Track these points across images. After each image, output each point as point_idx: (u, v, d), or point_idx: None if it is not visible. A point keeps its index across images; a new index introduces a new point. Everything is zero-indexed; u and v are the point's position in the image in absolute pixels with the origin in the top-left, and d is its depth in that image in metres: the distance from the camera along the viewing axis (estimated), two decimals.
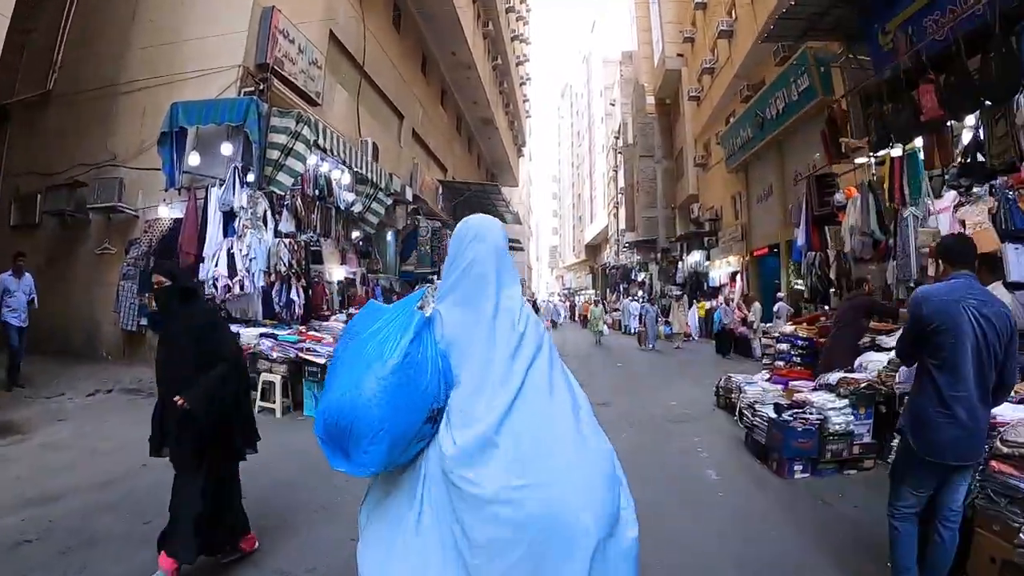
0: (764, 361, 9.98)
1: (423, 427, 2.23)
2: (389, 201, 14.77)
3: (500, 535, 2.11)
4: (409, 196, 18.68)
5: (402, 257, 19.61)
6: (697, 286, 29.17)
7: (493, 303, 2.37)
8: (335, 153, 12.43)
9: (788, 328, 8.86)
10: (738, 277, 24.40)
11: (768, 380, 8.51)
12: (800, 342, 8.63)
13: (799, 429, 5.88)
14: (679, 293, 24.72)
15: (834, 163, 9.27)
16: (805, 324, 8.99)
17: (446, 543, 2.17)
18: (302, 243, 10.78)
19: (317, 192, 12.54)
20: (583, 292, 63.28)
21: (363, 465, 2.22)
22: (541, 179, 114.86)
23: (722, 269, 26.45)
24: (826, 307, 11.03)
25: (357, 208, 13.71)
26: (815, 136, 18.27)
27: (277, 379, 8.99)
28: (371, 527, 2.38)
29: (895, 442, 4.45)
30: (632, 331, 27.89)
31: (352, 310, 12.47)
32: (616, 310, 34.43)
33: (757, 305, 18.55)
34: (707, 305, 25.41)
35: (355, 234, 14.29)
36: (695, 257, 29.83)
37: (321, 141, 11.31)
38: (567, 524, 2.12)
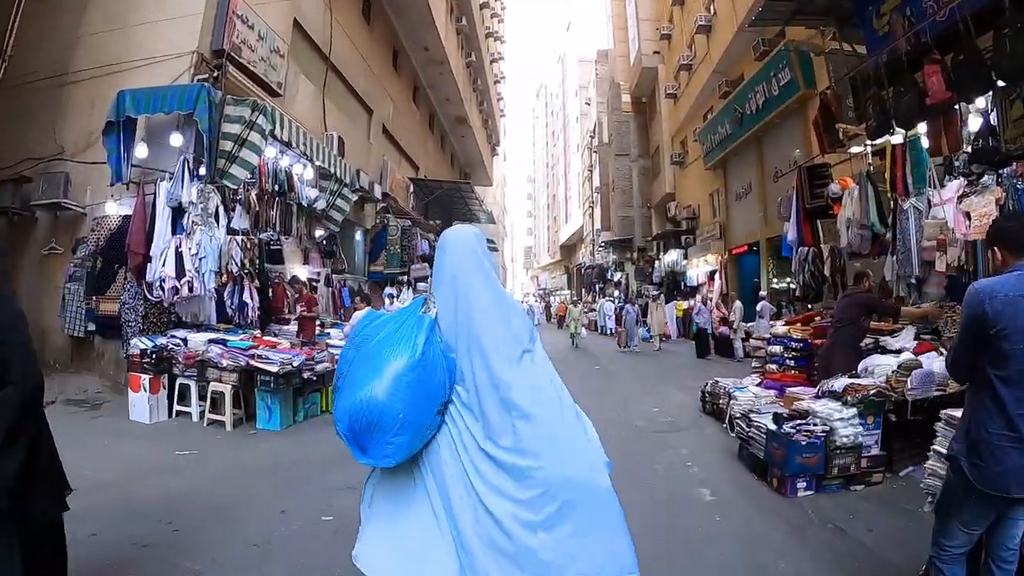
0: (753, 364, 9.31)
1: (434, 418, 2.42)
2: (354, 197, 14.02)
3: (528, 493, 2.34)
4: (378, 194, 17.97)
5: (371, 257, 18.83)
6: (674, 285, 28.74)
7: (497, 304, 2.56)
8: (296, 146, 11.67)
9: (780, 329, 8.21)
10: (716, 276, 23.95)
11: (759, 385, 7.97)
12: (794, 344, 8.02)
13: (803, 443, 5.27)
14: (656, 293, 23.98)
15: (828, 152, 8.63)
16: (799, 324, 8.37)
17: (465, 517, 2.36)
18: (256, 241, 10.01)
19: (277, 187, 11.78)
20: (558, 292, 62.96)
21: (387, 456, 2.39)
22: (516, 179, 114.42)
23: (700, 268, 26.01)
24: (812, 306, 10.59)
25: (320, 205, 12.96)
26: (796, 131, 18.00)
27: (227, 389, 8.25)
28: (376, 515, 2.58)
29: (938, 463, 3.78)
30: (609, 331, 27.42)
31: (300, 309, 11.74)
32: (593, 310, 33.85)
33: (739, 304, 18.04)
34: (685, 305, 24.95)
35: (319, 232, 13.52)
36: (672, 256, 29.39)
37: (279, 131, 10.55)
38: (576, 482, 2.43)
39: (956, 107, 6.16)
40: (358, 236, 18.95)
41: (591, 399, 10.30)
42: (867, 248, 8.04)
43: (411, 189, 23.22)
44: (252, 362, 8.19)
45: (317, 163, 12.42)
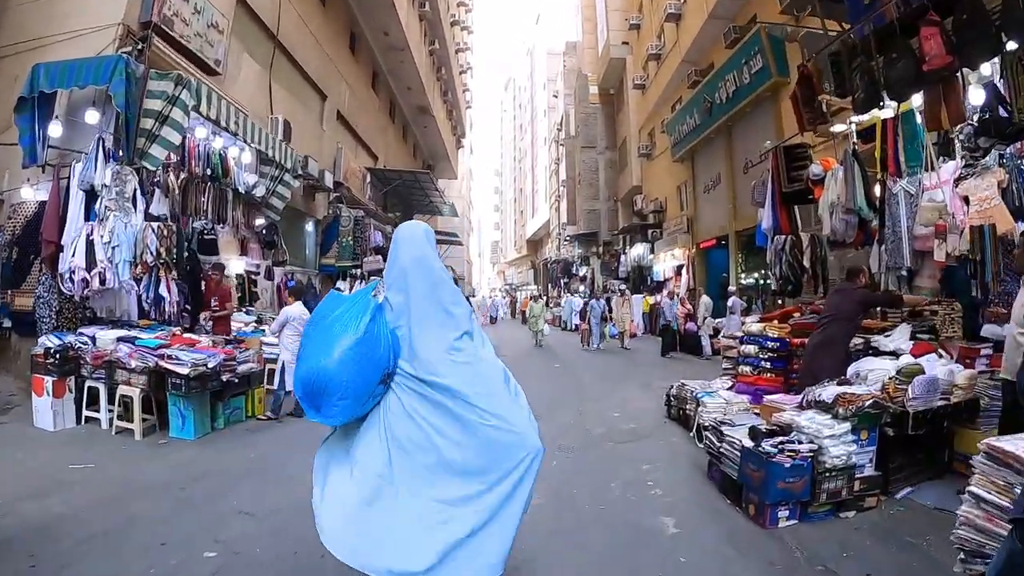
0: (723, 365, 8.42)
1: (377, 387, 2.88)
2: (296, 184, 13.01)
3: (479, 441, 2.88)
4: (329, 182, 16.98)
5: (322, 249, 17.81)
6: (640, 280, 28.10)
7: (440, 291, 3.02)
8: (228, 126, 10.70)
9: (755, 326, 7.31)
10: (683, 270, 23.30)
11: (730, 389, 7.21)
12: (770, 343, 7.02)
13: (786, 465, 4.44)
14: (623, 287, 22.94)
15: (807, 130, 7.78)
16: (776, 321, 7.52)
17: (402, 462, 2.85)
18: (173, 228, 9.00)
19: (209, 171, 10.76)
20: (525, 287, 62.39)
21: (333, 416, 2.91)
22: (483, 173, 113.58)
23: (666, 262, 25.36)
24: (785, 300, 9.85)
25: (260, 191, 11.95)
26: (768, 121, 17.36)
27: (135, 393, 7.27)
28: (327, 459, 3.13)
29: (976, 509, 2.97)
30: (574, 328, 26.75)
31: (214, 304, 10.51)
32: (559, 305, 33.13)
33: (706, 299, 17.43)
34: (652, 300, 24.28)
35: (259, 221, 12.50)
36: (638, 250, 28.73)
37: (205, 108, 9.56)
38: (519, 437, 2.96)
39: (958, 74, 5.35)
40: (309, 227, 17.94)
41: (546, 402, 9.52)
42: (852, 235, 7.20)
43: (368, 179, 22.24)
44: (161, 363, 7.22)
45: (254, 146, 11.43)
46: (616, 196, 35.04)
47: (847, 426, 4.65)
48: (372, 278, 16.84)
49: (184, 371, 7.05)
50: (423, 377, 2.87)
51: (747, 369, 7.28)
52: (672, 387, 8.19)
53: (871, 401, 4.72)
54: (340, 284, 17.18)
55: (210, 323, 9.79)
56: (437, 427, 2.84)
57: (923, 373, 4.93)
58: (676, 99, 24.54)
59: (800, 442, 4.64)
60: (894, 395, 4.82)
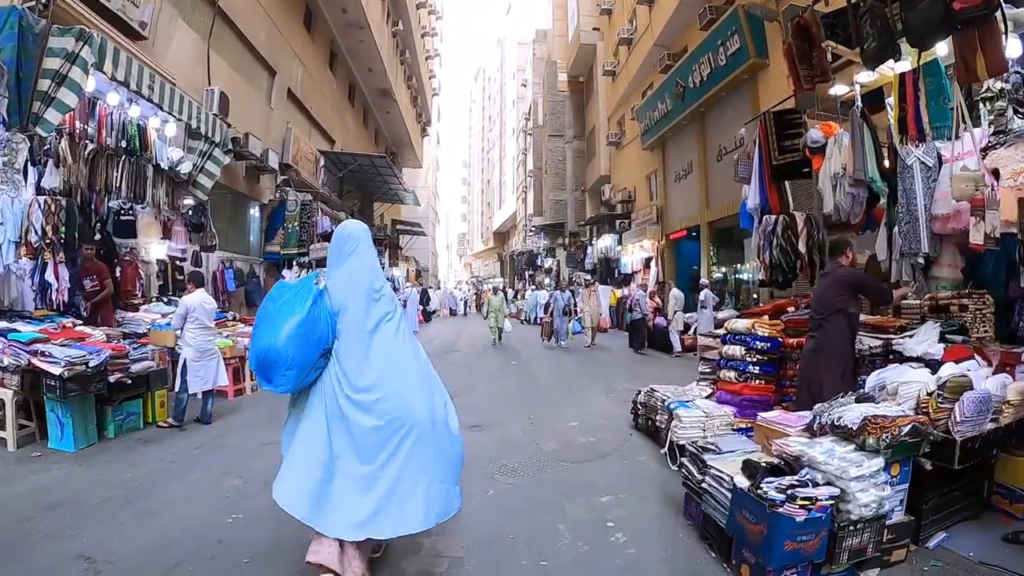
0: (701, 368, 7.12)
1: (318, 360, 3.42)
2: (226, 160, 11.69)
3: (376, 421, 3.33)
4: (274, 163, 15.68)
5: (267, 236, 16.52)
6: (608, 272, 27.13)
7: (366, 282, 3.55)
8: (151, 95, 9.49)
9: (740, 323, 6.22)
10: (652, 263, 22.36)
11: (710, 397, 6.16)
12: (759, 344, 5.87)
13: (799, 519, 3.26)
14: (590, 279, 21.47)
15: (805, 89, 6.56)
16: (766, 318, 6.35)
17: (339, 428, 3.35)
18: (62, 203, 7.73)
19: (125, 144, 9.52)
20: (491, 280, 61.43)
21: (281, 385, 3.38)
22: (451, 164, 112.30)
23: (635, 254, 24.40)
24: (766, 292, 8.87)
25: (185, 168, 10.68)
26: (744, 105, 16.43)
27: (8, 396, 6.07)
28: (290, 426, 3.56)
29: None
30: (538, 321, 25.79)
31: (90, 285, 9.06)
32: (523, 299, 32.12)
33: (676, 292, 16.28)
34: (619, 293, 23.34)
35: (187, 201, 11.23)
36: (605, 242, 27.74)
37: (112, 70, 8.29)
38: (412, 414, 3.39)
39: (997, 12, 4.29)
40: (254, 212, 16.64)
41: (495, 408, 8.59)
42: (859, 213, 5.95)
43: (321, 163, 20.93)
44: (34, 360, 6.02)
45: (176, 116, 10.21)
46: (584, 186, 34.15)
47: (879, 462, 3.46)
48: (319, 268, 15.72)
49: (57, 371, 5.85)
50: (349, 346, 3.45)
51: (731, 375, 6.14)
52: (640, 393, 7.07)
53: (909, 427, 3.59)
54: (286, 272, 15.98)
55: (89, 308, 8.52)
56: (353, 404, 3.36)
57: (971, 387, 3.84)
58: (647, 85, 23.58)
59: (815, 483, 3.44)
60: (935, 417, 3.75)
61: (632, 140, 25.66)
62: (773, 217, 7.25)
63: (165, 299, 10.65)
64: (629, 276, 24.46)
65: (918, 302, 5.43)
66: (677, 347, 15.14)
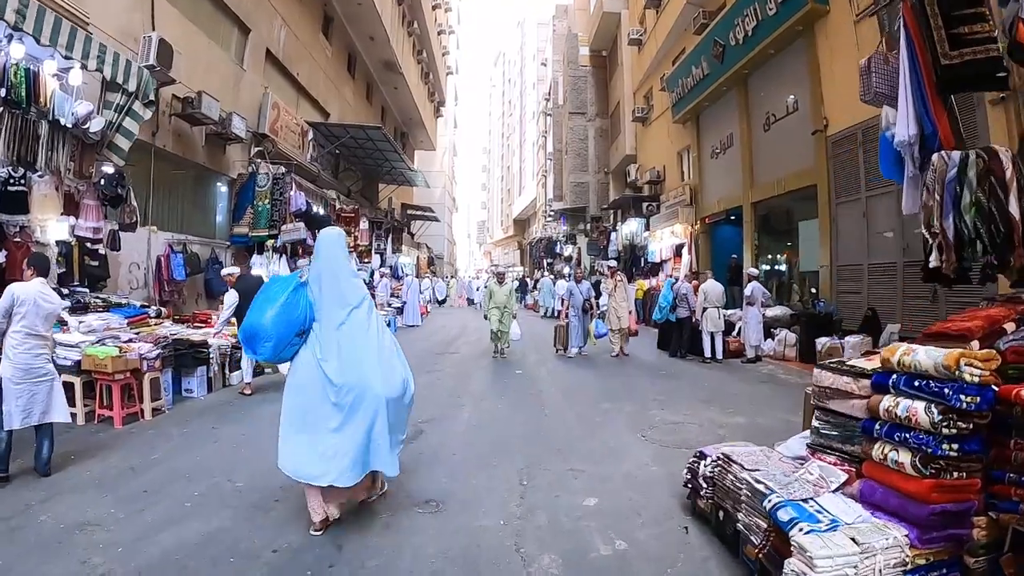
0: (820, 426, 3.67)
1: (295, 338, 4.24)
2: (147, 115, 9.21)
3: (344, 396, 4.14)
4: (241, 130, 13.21)
5: (234, 216, 14.06)
6: (633, 261, 24.43)
7: (341, 279, 4.37)
8: (40, 34, 7.17)
9: (931, 354, 3.00)
10: (685, 250, 19.69)
11: (843, 489, 3.30)
12: (964, 398, 2.79)
13: None
14: (615, 264, 16.72)
15: None
16: (975, 344, 3.14)
17: (318, 392, 4.17)
18: None
19: (3, 93, 7.16)
20: (512, 268, 59.09)
21: (261, 353, 4.30)
22: (472, 152, 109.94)
23: (664, 241, 21.73)
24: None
25: (96, 126, 8.27)
26: (799, 64, 13.76)
27: None
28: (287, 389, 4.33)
29: None
30: (553, 313, 23.32)
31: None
32: (537, 289, 29.56)
33: (709, 285, 12.92)
34: (647, 284, 20.67)
35: (106, 169, 8.83)
36: (631, 227, 24.94)
37: None
38: (371, 390, 4.16)
39: None
40: (220, 188, 14.23)
41: (471, 459, 5.87)
42: None
43: (310, 136, 18.48)
44: None
45: (80, 61, 7.83)
46: (607, 168, 31.51)
47: None
48: (301, 263, 13.41)
49: None
50: (322, 330, 4.28)
51: (902, 457, 3.03)
52: (704, 459, 4.24)
53: None
54: (256, 258, 13.60)
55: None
56: (326, 383, 4.17)
57: None
58: (679, 51, 20.83)
59: None
60: None
61: (661, 114, 22.99)
62: (956, 155, 4.21)
63: (66, 290, 8.30)
64: (658, 265, 21.77)
65: None
66: (707, 351, 12.46)
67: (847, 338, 10.41)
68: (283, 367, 8.85)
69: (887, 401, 3.09)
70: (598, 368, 11.80)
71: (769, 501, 3.18)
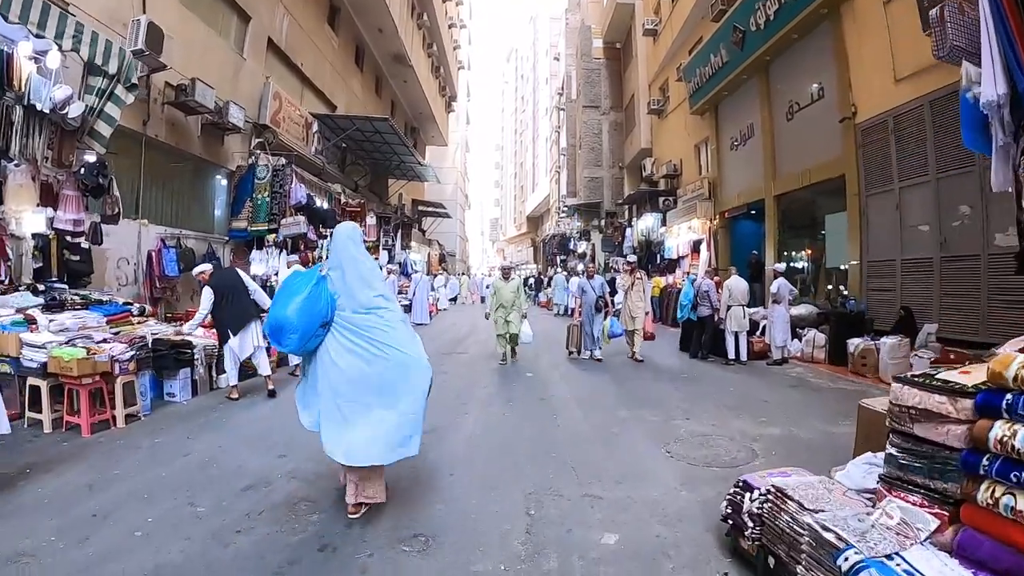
0: (896, 453, 2.89)
1: (318, 329, 4.28)
2: (130, 99, 8.61)
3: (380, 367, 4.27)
4: (238, 119, 12.62)
5: (233, 210, 13.47)
6: (649, 258, 23.67)
7: (361, 266, 4.48)
8: (6, 9, 6.63)
9: None
10: (703, 246, 18.93)
11: (933, 538, 2.56)
12: None
13: None
14: (633, 259, 15.26)
15: None
16: None
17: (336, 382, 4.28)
18: None
19: None
20: (524, 266, 58.53)
21: (287, 345, 4.33)
22: (485, 149, 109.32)
23: (681, 236, 20.98)
24: None
25: (75, 111, 7.69)
26: (823, 50, 13.08)
27: None
28: (304, 381, 4.58)
29: None
30: (568, 312, 22.56)
31: None
32: (550, 286, 28.79)
33: (733, 281, 11.98)
34: (664, 281, 19.94)
35: (87, 157, 8.25)
36: (647, 222, 24.18)
37: None
38: (416, 361, 4.37)
39: None
40: (219, 180, 13.65)
41: (473, 477, 5.16)
42: None
43: (315, 128, 17.89)
44: None
45: (45, 36, 7.24)
46: (621, 162, 30.77)
47: None
48: (290, 258, 12.80)
49: None
50: (347, 318, 4.32)
51: (1014, 502, 2.32)
52: (751, 492, 3.49)
53: None
54: (255, 253, 13.02)
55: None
56: (363, 354, 4.25)
57: None
58: (695, 40, 20.05)
59: None
60: None
61: (678, 106, 22.24)
62: None
63: (42, 286, 7.71)
64: (675, 262, 21.01)
65: None
66: (731, 352, 11.63)
67: (883, 339, 9.65)
68: (262, 367, 8.44)
69: (999, 429, 2.36)
70: (614, 371, 10.86)
71: (846, 559, 2.46)
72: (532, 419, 7.27)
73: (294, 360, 9.20)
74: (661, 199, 22.84)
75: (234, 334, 7.87)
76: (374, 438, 4.14)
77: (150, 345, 7.45)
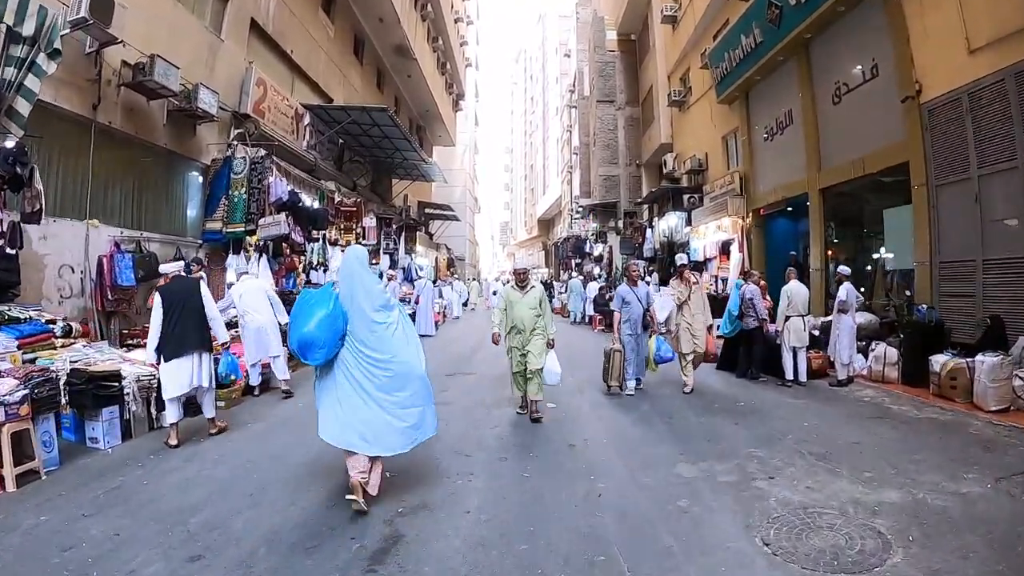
0: None
1: (338, 342, 4.79)
2: (51, 69, 6.95)
3: (388, 376, 4.85)
4: (210, 106, 11.00)
5: (207, 209, 11.82)
6: (672, 262, 21.90)
7: (362, 293, 4.87)
8: None
9: None
10: (735, 247, 17.18)
11: None
12: None
13: None
14: (687, 260, 14.01)
15: None
16: None
17: (356, 388, 4.82)
18: None
19: None
20: (535, 270, 56.99)
21: (316, 359, 4.77)
22: (494, 151, 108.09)
23: (709, 237, 19.23)
24: None
25: None
26: (875, 23, 11.31)
27: None
28: (320, 390, 4.98)
29: None
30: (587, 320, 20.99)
31: None
32: (563, 292, 27.11)
33: (792, 287, 10.18)
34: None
35: (6, 143, 6.65)
36: (670, 222, 22.35)
37: None
38: (415, 369, 4.98)
39: None
40: (192, 176, 12.01)
41: None
42: None
43: (306, 120, 16.28)
44: None
45: None
46: (639, 160, 28.97)
47: None
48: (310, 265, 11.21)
49: None
50: (355, 333, 4.82)
51: None
52: None
53: None
54: (231, 259, 11.42)
55: None
56: (373, 365, 4.82)
57: None
58: (721, 23, 18.35)
59: None
60: None
61: (701, 96, 20.53)
62: None
63: None
64: (701, 264, 19.25)
65: None
66: (789, 372, 9.80)
67: (979, 357, 7.91)
68: (206, 408, 6.89)
69: None
70: (652, 398, 8.87)
71: None
72: (561, 480, 5.40)
73: (169, 418, 6.49)
74: (686, 197, 21.06)
75: (167, 360, 6.24)
76: (389, 428, 4.83)
77: (60, 378, 5.78)
